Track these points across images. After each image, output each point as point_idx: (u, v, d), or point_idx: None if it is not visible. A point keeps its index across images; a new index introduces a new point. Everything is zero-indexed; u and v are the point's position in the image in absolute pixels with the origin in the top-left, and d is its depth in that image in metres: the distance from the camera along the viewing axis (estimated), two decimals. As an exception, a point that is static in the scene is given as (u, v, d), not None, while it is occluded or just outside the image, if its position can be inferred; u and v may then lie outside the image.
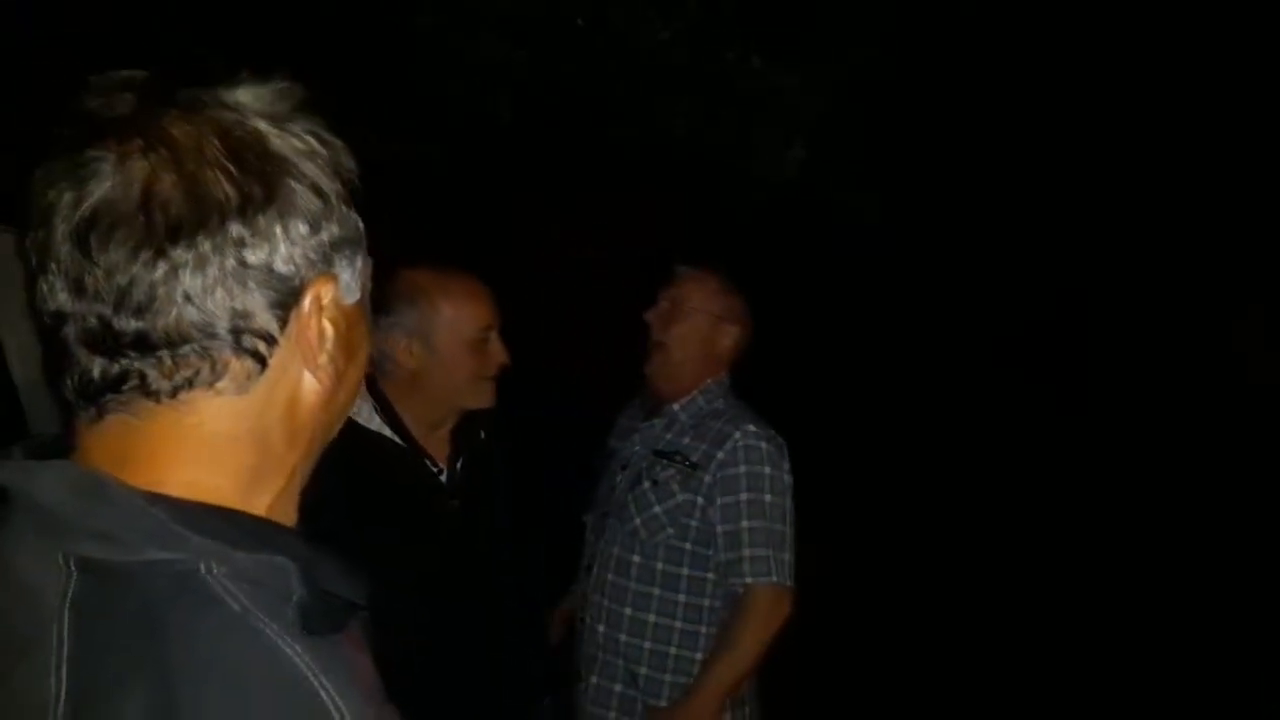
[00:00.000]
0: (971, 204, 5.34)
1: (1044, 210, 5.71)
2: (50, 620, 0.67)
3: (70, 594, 0.67)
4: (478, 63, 3.30)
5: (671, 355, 2.32)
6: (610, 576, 2.29)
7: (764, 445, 2.20)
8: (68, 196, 0.69)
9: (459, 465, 2.01)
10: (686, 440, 2.27)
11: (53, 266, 0.70)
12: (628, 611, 2.27)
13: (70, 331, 0.71)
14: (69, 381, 0.73)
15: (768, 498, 2.16)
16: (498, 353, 1.96)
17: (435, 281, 1.95)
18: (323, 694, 0.66)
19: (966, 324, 6.17)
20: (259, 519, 0.75)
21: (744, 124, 3.63)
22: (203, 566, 0.68)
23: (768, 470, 2.18)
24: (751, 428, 2.21)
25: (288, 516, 0.80)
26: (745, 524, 2.16)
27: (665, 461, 2.27)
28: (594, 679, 2.29)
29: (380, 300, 1.85)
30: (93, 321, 0.70)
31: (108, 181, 0.69)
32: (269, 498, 0.78)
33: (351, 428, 1.79)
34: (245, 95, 0.74)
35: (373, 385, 1.96)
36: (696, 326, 2.31)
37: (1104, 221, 5.89)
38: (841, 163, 3.99)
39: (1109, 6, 5.02)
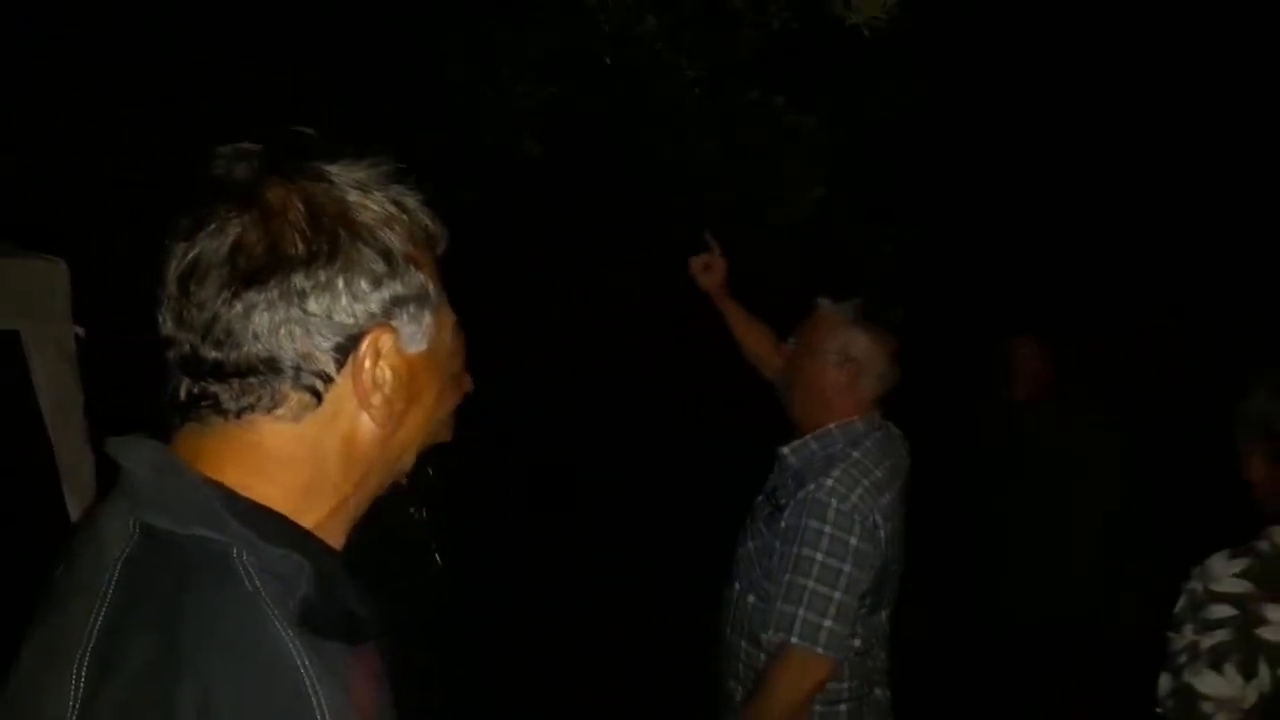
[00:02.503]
0: (988, 235, 5.44)
1: (1057, 240, 5.81)
2: (106, 570, 0.79)
3: (127, 551, 0.80)
4: (507, 99, 3.34)
5: (792, 395, 2.29)
6: (728, 595, 2.33)
7: (833, 503, 2.07)
8: (182, 246, 0.83)
9: (424, 511, 1.96)
10: (789, 483, 2.23)
11: (166, 301, 0.84)
12: (727, 631, 2.32)
13: (172, 354, 0.85)
14: (167, 393, 0.87)
15: (819, 556, 2.05)
16: (467, 383, 1.91)
17: None
18: (304, 674, 0.74)
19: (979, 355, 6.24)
20: (295, 525, 0.85)
21: (766, 162, 3.70)
22: (235, 550, 0.79)
23: (827, 530, 2.06)
24: (830, 483, 2.10)
25: (334, 537, 0.89)
26: (788, 577, 2.08)
27: (765, 500, 2.30)
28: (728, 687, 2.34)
29: None
30: (186, 348, 0.83)
31: (210, 236, 0.82)
32: (318, 516, 0.87)
33: None
34: (340, 166, 0.86)
35: None
36: (815, 366, 2.23)
37: (1118, 253, 6.01)
38: (858, 199, 4.07)
39: (1115, 51, 5.16)
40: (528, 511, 5.33)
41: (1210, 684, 1.69)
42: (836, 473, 2.12)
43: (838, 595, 2.05)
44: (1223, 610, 1.72)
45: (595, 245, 4.96)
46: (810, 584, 2.05)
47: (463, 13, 3.44)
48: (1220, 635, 1.71)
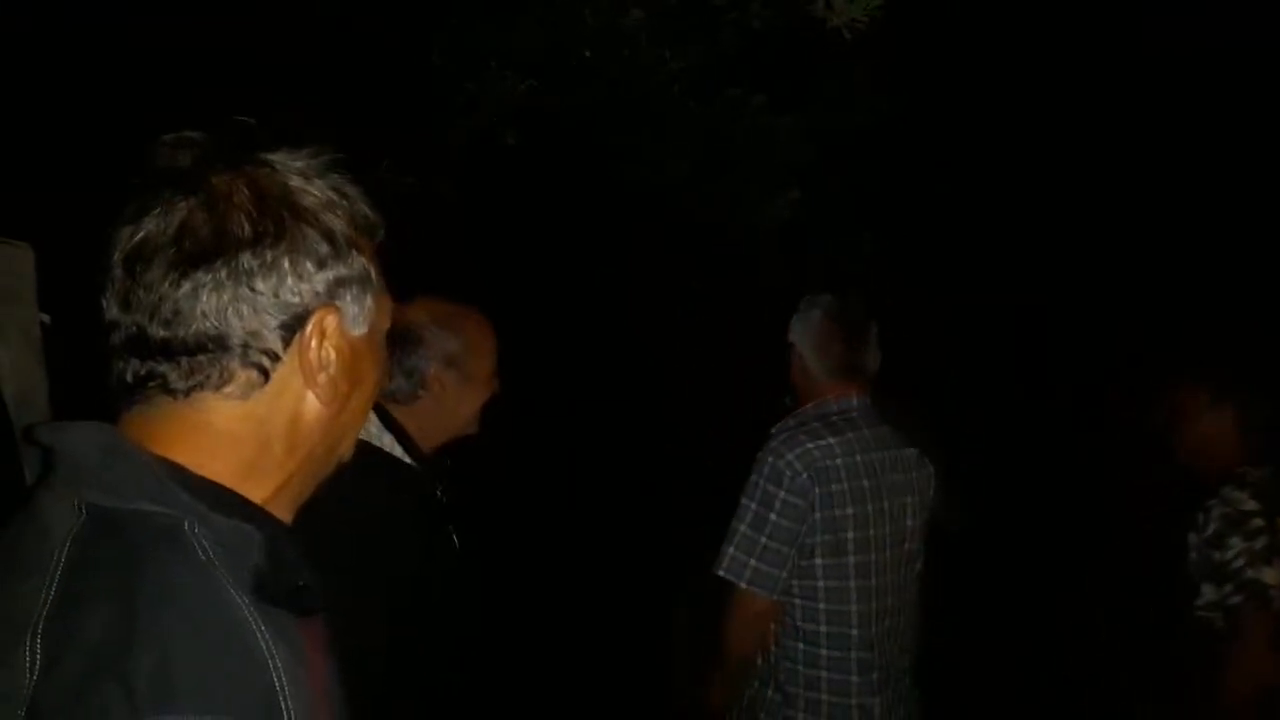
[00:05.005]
0: (965, 239, 5.49)
1: (1038, 248, 5.86)
2: (53, 549, 0.79)
3: (74, 531, 0.80)
4: (487, 91, 3.34)
5: (793, 389, 2.53)
6: None
7: (769, 460, 2.35)
8: (126, 231, 0.85)
9: (440, 491, 2.11)
10: None
11: (110, 286, 0.86)
12: None
13: (117, 338, 0.86)
14: (112, 378, 0.88)
15: (752, 505, 2.33)
16: (496, 384, 2.12)
17: (473, 314, 2.10)
18: (260, 638, 0.76)
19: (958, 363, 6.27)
20: (244, 498, 0.88)
21: (742, 163, 3.72)
22: (186, 523, 0.80)
23: (760, 482, 2.34)
24: (774, 443, 2.38)
25: (280, 513, 0.92)
26: (732, 522, 2.37)
27: None
28: None
29: (412, 327, 1.92)
30: (133, 330, 0.85)
31: (156, 220, 0.84)
32: (264, 493, 0.90)
33: (369, 447, 1.86)
34: (283, 154, 0.89)
35: (376, 408, 2.00)
36: (790, 358, 2.51)
37: (1094, 260, 6.07)
38: (835, 202, 4.11)
39: (1095, 62, 5.23)
40: (523, 510, 5.29)
41: (1271, 575, 2.26)
42: (784, 435, 2.38)
43: (763, 539, 2.29)
44: (1257, 521, 2.28)
45: (576, 241, 4.95)
46: (742, 528, 2.32)
47: (446, 7, 3.44)
48: (1263, 540, 2.28)
